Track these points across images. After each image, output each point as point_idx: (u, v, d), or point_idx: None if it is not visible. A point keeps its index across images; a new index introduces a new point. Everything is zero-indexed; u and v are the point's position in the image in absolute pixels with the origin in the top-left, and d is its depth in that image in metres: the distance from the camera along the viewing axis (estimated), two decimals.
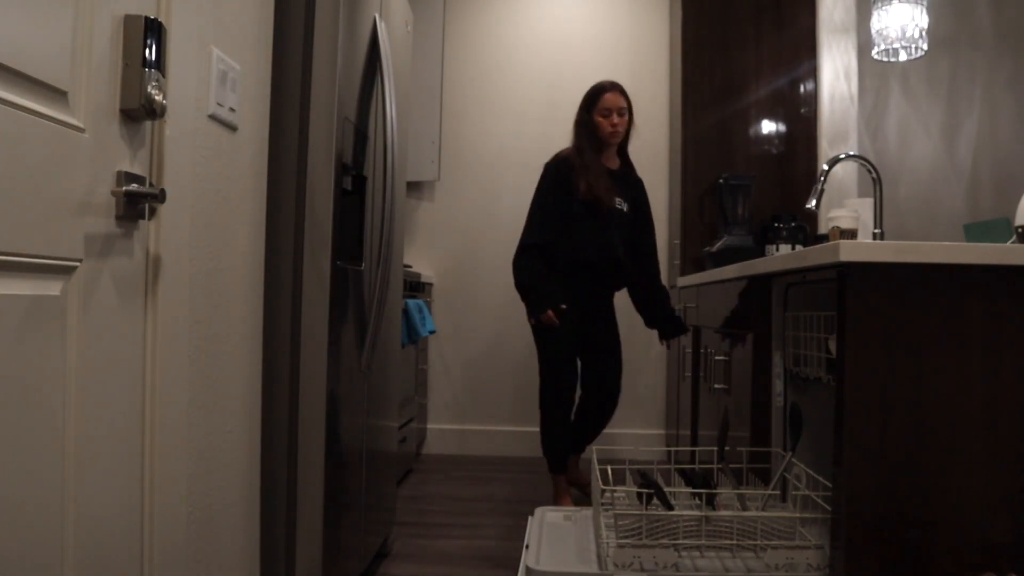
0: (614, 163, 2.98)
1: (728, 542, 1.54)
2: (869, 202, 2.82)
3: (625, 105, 2.88)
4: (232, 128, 1.45)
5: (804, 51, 3.67)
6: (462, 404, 4.07)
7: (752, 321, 2.00)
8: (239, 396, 1.51)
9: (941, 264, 1.37)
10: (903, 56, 2.55)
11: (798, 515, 1.50)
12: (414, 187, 4.08)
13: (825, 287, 1.57)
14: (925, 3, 2.48)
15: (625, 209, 2.92)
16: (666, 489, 1.83)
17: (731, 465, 1.96)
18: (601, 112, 2.86)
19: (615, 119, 2.86)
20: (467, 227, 4.10)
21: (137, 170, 1.12)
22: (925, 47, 2.50)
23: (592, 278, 2.87)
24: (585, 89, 4.09)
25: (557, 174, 2.86)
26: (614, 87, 2.89)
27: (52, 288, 0.95)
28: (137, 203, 1.10)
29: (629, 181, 3.00)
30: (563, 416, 2.86)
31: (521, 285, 2.83)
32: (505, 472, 3.63)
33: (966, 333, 1.37)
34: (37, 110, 0.92)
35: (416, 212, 4.11)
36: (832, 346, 1.55)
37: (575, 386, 2.88)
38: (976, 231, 2.16)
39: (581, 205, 2.81)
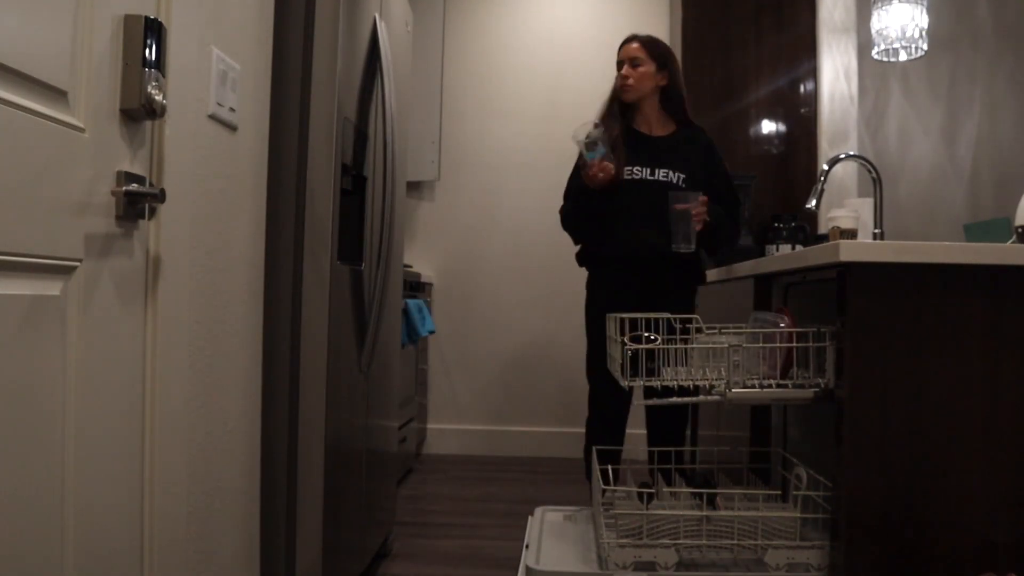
0: (661, 128, 2.42)
1: (729, 542, 1.54)
2: (869, 202, 2.82)
3: (640, 55, 2.35)
4: (232, 128, 1.45)
5: (804, 51, 3.67)
6: (462, 404, 4.06)
7: None
8: (239, 396, 1.51)
9: (941, 264, 1.37)
10: (903, 56, 2.55)
11: (798, 515, 1.50)
12: (414, 187, 4.08)
13: (825, 287, 1.57)
14: (925, 3, 2.48)
15: (676, 180, 2.31)
16: (666, 489, 1.83)
17: (730, 465, 1.96)
18: (619, 64, 2.41)
19: (625, 70, 2.36)
20: (467, 227, 4.09)
21: (137, 170, 1.12)
22: (925, 47, 2.50)
23: (626, 277, 2.34)
24: (585, 89, 4.12)
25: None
26: (633, 38, 2.41)
27: (52, 288, 0.95)
28: (137, 203, 1.10)
29: (685, 146, 2.39)
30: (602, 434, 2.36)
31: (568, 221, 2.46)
32: (505, 472, 3.63)
33: (966, 333, 1.37)
34: (37, 110, 0.92)
35: (416, 212, 4.10)
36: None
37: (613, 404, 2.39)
38: (976, 231, 2.17)
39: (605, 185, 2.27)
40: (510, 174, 4.09)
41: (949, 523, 1.37)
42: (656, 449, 2.17)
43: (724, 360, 1.55)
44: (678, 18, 3.82)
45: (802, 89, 3.68)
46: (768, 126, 3.69)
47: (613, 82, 2.43)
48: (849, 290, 1.38)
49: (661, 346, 1.61)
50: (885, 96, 3.05)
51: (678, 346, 1.63)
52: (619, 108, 2.40)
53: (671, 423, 2.45)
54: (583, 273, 4.35)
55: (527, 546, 1.70)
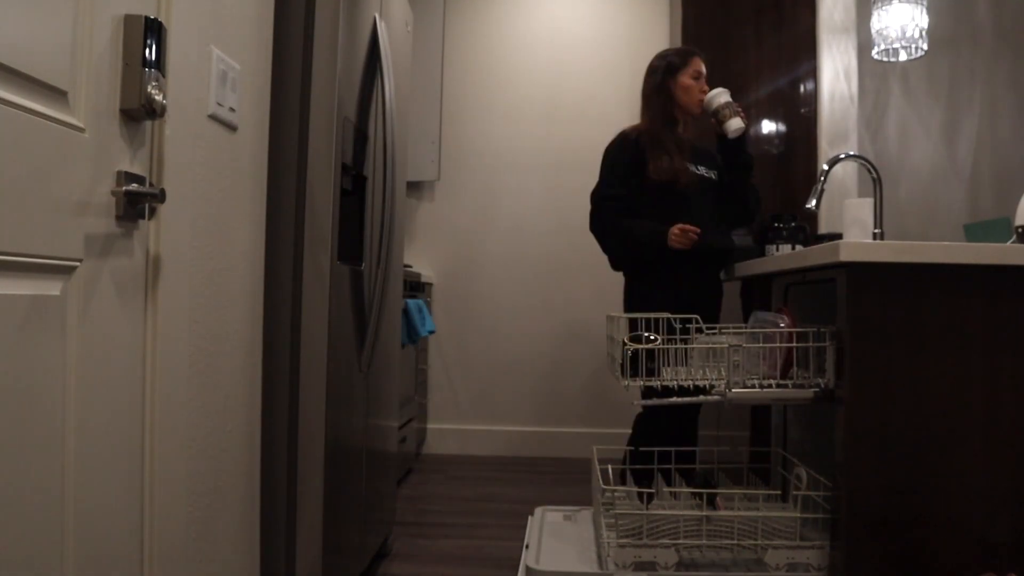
0: (688, 134, 2.60)
1: (729, 542, 1.54)
2: (869, 202, 2.82)
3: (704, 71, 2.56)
4: (232, 128, 1.45)
5: (804, 51, 3.66)
6: (462, 404, 4.06)
7: None
8: (239, 396, 1.51)
9: (941, 264, 1.37)
10: (903, 56, 2.55)
11: (798, 515, 1.50)
12: (414, 187, 4.08)
13: (825, 287, 1.57)
14: (925, 3, 2.48)
15: (714, 176, 2.51)
16: (666, 489, 1.83)
17: (731, 465, 1.96)
18: (693, 75, 2.47)
19: (702, 84, 2.47)
20: (467, 227, 4.09)
21: (137, 170, 1.12)
22: (925, 47, 2.50)
23: (700, 274, 2.40)
24: (585, 89, 4.12)
25: (622, 151, 2.43)
26: (698, 53, 2.52)
27: (52, 288, 0.95)
28: (137, 203, 1.10)
29: (705, 149, 2.57)
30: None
31: (612, 236, 2.40)
32: (505, 472, 3.63)
33: (966, 333, 1.37)
34: (37, 110, 0.92)
35: (416, 212, 4.10)
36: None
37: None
38: (976, 231, 2.16)
39: (657, 186, 2.36)
40: (510, 174, 4.09)
41: (949, 523, 1.37)
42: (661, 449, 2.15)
43: (724, 360, 1.55)
44: (678, 18, 3.82)
45: (802, 89, 3.67)
46: (768, 126, 3.69)
47: (662, 86, 2.50)
48: (849, 290, 1.38)
49: (661, 346, 1.61)
50: (885, 96, 3.05)
51: (678, 346, 1.63)
52: (672, 118, 2.50)
53: (689, 423, 2.39)
54: (582, 273, 4.31)
55: (527, 546, 1.70)
